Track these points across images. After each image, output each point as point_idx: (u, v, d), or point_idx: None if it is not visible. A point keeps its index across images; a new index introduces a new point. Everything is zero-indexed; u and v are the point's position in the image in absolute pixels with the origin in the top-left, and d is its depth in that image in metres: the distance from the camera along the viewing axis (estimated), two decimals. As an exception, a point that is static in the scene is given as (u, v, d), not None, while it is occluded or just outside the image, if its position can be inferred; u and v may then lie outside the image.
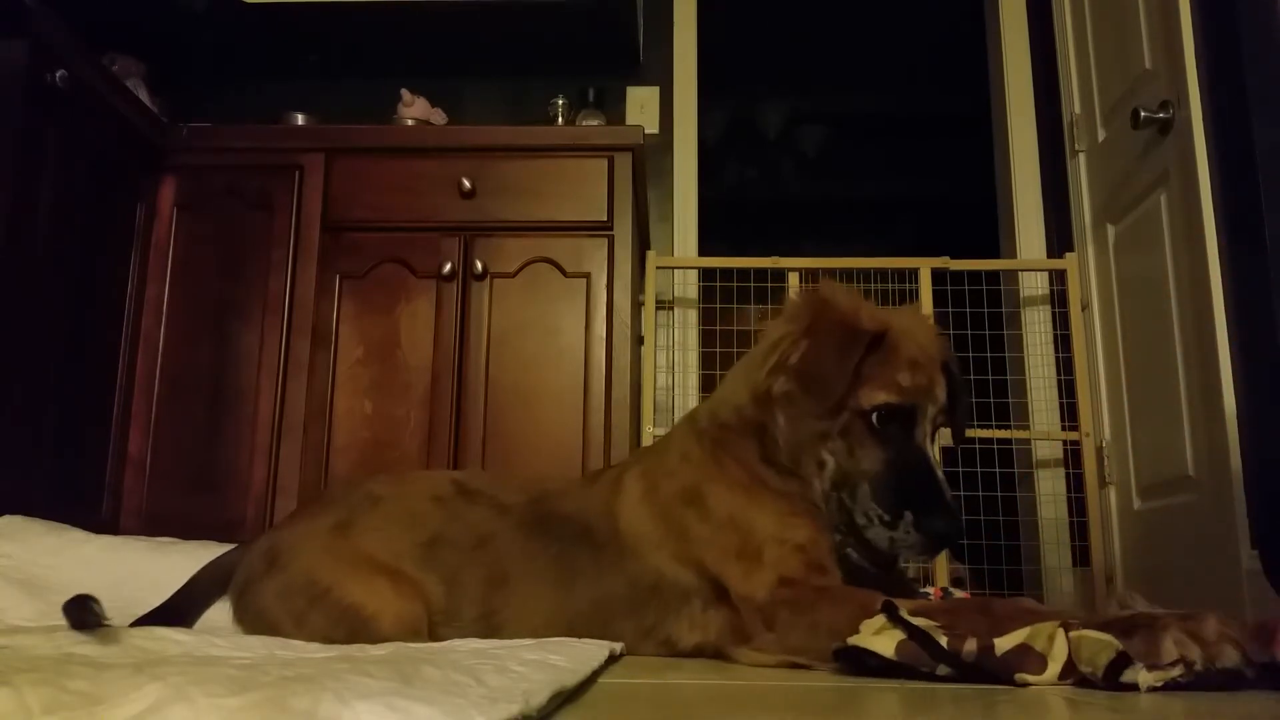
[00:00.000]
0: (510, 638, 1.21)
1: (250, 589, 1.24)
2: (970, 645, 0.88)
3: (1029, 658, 0.85)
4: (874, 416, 1.19)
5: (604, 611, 1.24)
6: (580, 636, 1.20)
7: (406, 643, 1.12)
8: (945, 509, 1.15)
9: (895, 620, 0.95)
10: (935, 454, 1.22)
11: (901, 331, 1.22)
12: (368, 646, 1.02)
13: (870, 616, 1.06)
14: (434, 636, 1.23)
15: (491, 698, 0.60)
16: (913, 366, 1.20)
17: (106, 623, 0.90)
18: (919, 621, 0.94)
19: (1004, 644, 0.87)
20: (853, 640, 0.96)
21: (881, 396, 1.18)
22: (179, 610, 1.27)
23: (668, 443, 1.38)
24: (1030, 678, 0.84)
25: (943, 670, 0.90)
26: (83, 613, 0.87)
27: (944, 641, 0.89)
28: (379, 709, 0.51)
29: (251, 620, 1.23)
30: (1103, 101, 2.63)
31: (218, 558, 1.35)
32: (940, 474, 1.19)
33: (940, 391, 1.22)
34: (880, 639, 0.93)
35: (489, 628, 1.25)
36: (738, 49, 4.36)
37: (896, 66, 4.62)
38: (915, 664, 0.91)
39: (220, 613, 1.30)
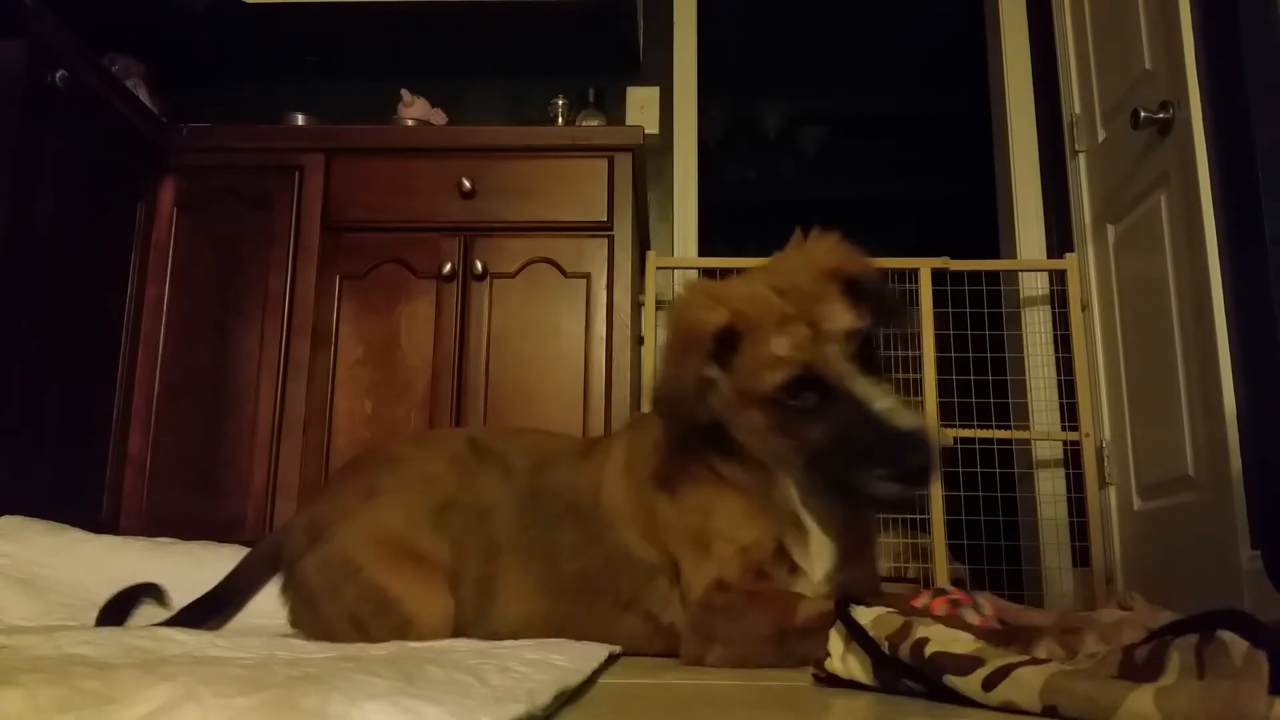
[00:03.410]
0: (502, 604, 1.28)
1: (297, 564, 1.29)
2: (906, 645, 0.81)
3: (965, 663, 0.77)
4: (783, 397, 1.09)
5: (586, 584, 1.26)
6: (565, 606, 1.26)
7: (427, 638, 1.17)
8: (904, 445, 1.02)
9: (845, 622, 0.88)
10: (861, 387, 1.05)
11: (754, 299, 1.12)
12: (369, 646, 1.04)
13: (789, 620, 1.06)
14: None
15: (496, 697, 0.61)
16: (783, 327, 1.08)
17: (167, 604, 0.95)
18: (871, 616, 0.87)
19: (944, 647, 0.80)
20: (828, 667, 0.90)
21: (774, 378, 1.08)
22: (224, 598, 1.31)
23: (652, 421, 1.33)
24: (957, 680, 0.77)
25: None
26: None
27: (885, 644, 0.83)
28: (388, 709, 0.51)
29: (295, 590, 1.29)
30: (1103, 101, 2.63)
31: (259, 544, 1.39)
32: (882, 405, 1.03)
33: (837, 321, 1.09)
34: (853, 664, 0.88)
35: (484, 592, 1.29)
36: (738, 49, 4.35)
37: (896, 66, 4.62)
38: (890, 687, 0.85)
39: (259, 601, 1.35)
